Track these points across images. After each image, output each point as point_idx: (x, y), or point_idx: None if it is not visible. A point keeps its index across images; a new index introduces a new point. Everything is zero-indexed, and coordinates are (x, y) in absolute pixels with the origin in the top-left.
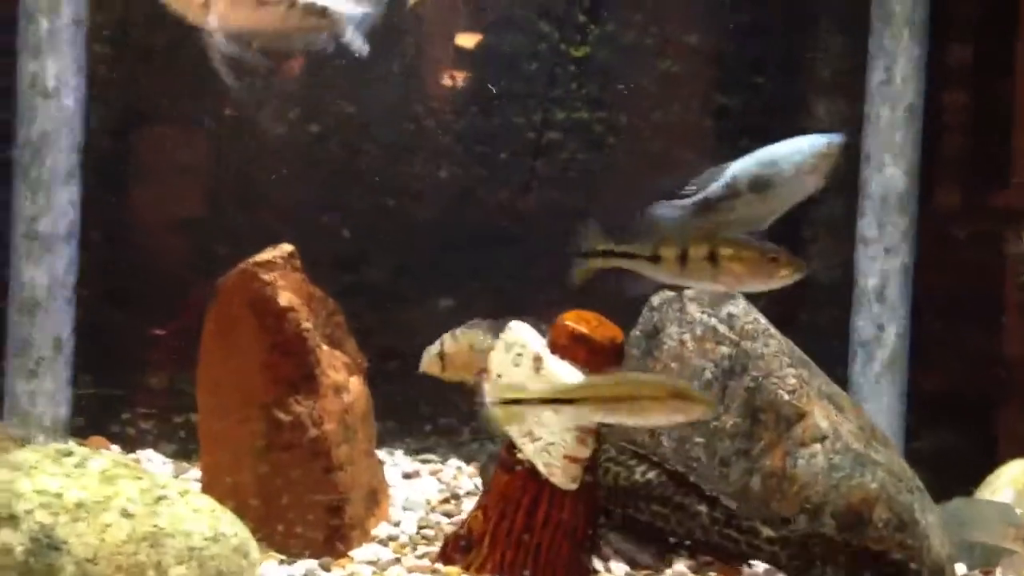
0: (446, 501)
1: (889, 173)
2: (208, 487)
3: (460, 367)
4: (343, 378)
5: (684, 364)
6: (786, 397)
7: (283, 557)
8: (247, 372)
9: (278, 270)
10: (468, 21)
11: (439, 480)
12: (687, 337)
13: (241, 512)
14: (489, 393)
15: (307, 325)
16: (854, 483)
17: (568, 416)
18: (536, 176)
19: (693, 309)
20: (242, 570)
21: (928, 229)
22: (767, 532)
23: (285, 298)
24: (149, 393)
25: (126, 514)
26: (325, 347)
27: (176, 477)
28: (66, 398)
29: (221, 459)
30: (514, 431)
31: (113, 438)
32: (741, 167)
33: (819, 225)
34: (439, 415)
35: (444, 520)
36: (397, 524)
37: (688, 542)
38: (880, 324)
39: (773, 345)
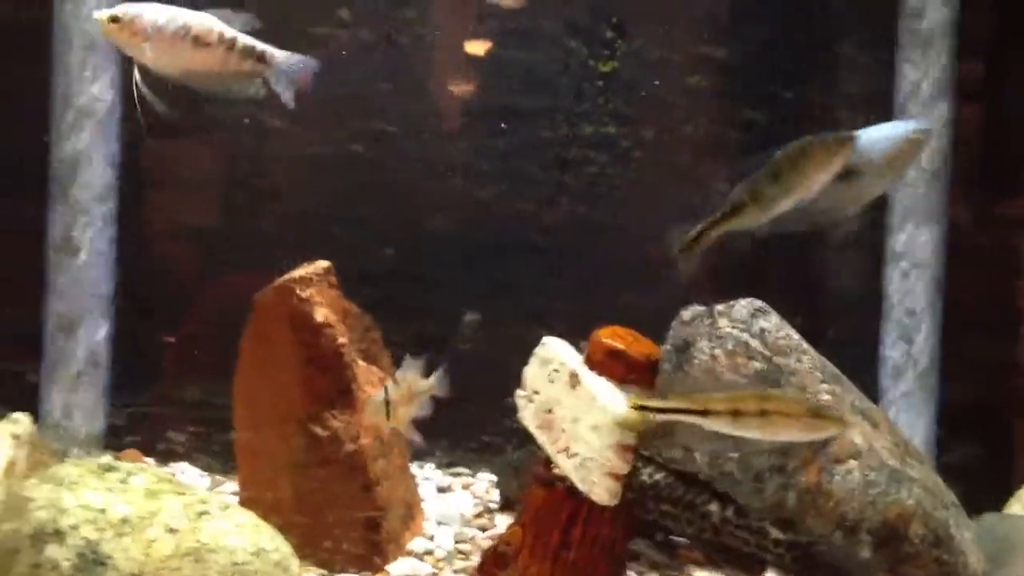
0: (480, 515)
1: (918, 188)
2: (247, 501)
3: (403, 415)
4: None
5: (715, 379)
6: None
7: (323, 572)
8: (284, 387)
9: (314, 286)
10: (493, 37)
11: (472, 494)
12: (719, 352)
13: (281, 527)
14: (624, 401)
15: (343, 340)
16: (890, 499)
17: (706, 427)
18: (563, 190)
19: (724, 324)
20: None
21: (955, 241)
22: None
23: (321, 314)
24: (183, 406)
25: (170, 529)
26: (361, 362)
27: (211, 490)
28: (103, 412)
29: (259, 473)
30: (548, 446)
31: (146, 450)
32: None
33: (848, 239)
34: (477, 431)
35: (479, 534)
36: (432, 538)
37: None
38: (910, 338)
39: (806, 361)
